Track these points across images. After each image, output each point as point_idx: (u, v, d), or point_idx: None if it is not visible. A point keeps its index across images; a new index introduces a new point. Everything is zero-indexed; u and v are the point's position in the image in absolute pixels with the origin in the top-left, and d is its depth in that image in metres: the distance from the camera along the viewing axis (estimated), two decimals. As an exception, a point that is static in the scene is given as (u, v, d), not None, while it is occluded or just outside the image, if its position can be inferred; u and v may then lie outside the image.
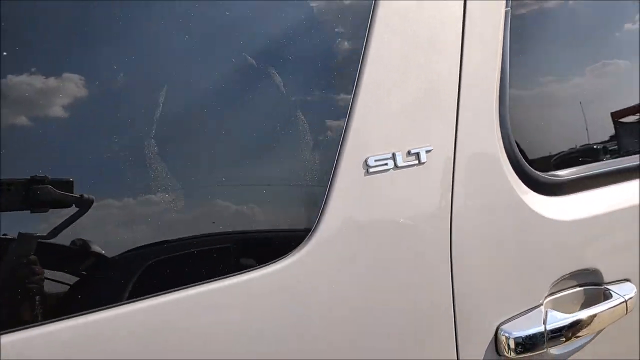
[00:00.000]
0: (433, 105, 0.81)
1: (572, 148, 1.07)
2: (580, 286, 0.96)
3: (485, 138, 0.85)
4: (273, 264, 0.68)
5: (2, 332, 0.55)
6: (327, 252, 0.70)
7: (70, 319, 0.58)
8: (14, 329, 0.56)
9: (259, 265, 0.68)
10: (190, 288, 0.64)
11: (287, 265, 0.68)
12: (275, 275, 0.68)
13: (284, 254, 0.69)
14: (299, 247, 0.69)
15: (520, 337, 0.82)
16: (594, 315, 0.90)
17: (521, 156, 0.91)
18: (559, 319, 0.86)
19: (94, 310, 0.59)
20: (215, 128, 0.68)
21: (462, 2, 0.86)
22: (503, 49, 0.90)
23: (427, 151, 0.79)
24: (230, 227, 0.68)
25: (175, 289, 0.63)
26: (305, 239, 0.70)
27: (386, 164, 0.75)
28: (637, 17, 1.23)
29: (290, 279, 0.68)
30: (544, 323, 0.84)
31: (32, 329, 0.56)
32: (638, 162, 1.08)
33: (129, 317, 0.60)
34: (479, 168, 0.84)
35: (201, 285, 0.64)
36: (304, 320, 0.69)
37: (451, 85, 0.83)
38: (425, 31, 0.81)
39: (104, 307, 0.60)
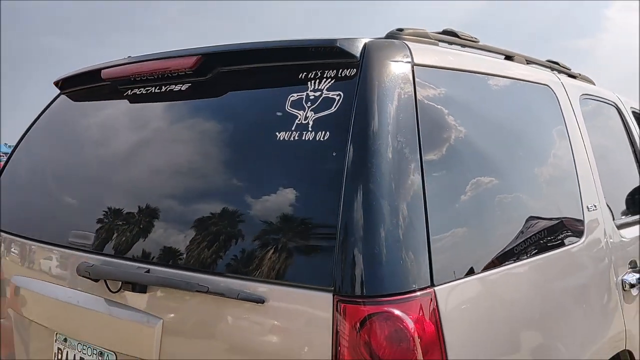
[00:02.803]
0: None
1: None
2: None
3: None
4: (575, 245, 1.79)
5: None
6: (589, 243, 1.84)
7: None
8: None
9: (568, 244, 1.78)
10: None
11: (579, 245, 1.80)
12: (575, 248, 1.79)
13: (576, 241, 1.80)
14: (581, 239, 1.81)
15: (631, 281, 2.01)
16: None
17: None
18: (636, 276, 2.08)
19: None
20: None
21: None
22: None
23: (599, 205, 1.98)
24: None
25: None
26: (582, 235, 1.82)
27: (594, 208, 1.92)
28: None
29: (579, 252, 1.80)
30: (638, 274, 2.05)
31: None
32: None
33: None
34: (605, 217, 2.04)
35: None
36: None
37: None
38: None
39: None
